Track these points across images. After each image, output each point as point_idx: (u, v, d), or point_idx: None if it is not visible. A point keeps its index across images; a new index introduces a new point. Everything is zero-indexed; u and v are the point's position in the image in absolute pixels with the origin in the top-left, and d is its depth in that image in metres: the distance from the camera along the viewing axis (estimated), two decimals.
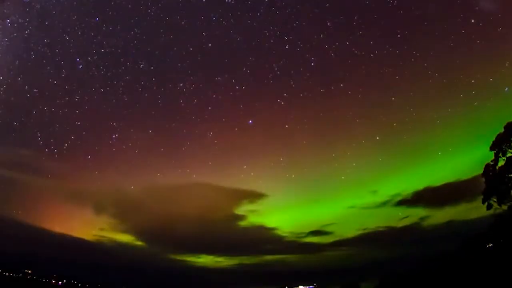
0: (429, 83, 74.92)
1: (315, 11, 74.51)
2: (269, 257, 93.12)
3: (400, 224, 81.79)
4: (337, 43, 74.94)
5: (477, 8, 66.60)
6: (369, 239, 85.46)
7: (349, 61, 77.65)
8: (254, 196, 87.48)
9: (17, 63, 75.13)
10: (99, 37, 76.07)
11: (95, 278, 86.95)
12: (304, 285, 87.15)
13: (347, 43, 75.96)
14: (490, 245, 33.40)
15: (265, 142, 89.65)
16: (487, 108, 70.82)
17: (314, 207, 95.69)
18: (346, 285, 72.16)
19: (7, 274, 79.99)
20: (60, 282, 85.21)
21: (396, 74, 75.63)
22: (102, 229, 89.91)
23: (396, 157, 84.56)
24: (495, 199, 29.31)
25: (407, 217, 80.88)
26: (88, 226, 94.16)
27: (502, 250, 28.86)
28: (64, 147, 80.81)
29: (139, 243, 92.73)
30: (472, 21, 67.56)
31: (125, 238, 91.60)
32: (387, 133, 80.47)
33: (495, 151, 29.72)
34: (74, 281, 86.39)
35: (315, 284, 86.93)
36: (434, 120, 76.66)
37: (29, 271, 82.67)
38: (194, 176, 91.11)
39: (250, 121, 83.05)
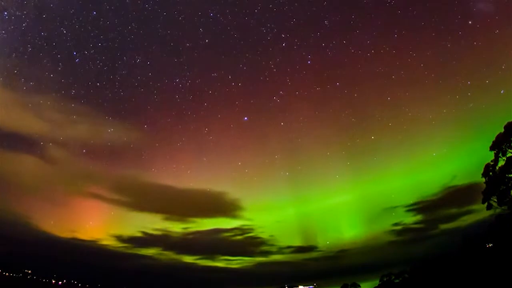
0: (425, 84, 75.27)
1: (313, 9, 74.90)
2: (268, 257, 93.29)
3: (399, 224, 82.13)
4: (333, 42, 75.38)
5: (474, 10, 66.98)
6: (368, 240, 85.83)
7: (346, 60, 78.08)
8: (248, 194, 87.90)
9: (14, 55, 75.57)
10: (96, 31, 76.50)
11: (95, 278, 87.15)
12: (304, 285, 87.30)
13: (344, 42, 76.38)
14: (490, 245, 33.46)
15: (260, 139, 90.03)
16: (482, 110, 71.11)
17: (307, 205, 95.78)
18: (346, 285, 72.24)
19: (7, 274, 79.93)
20: (60, 282, 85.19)
21: (392, 74, 76.00)
22: (100, 229, 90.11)
23: (391, 157, 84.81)
24: (495, 199, 29.28)
25: (404, 217, 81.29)
26: (87, 226, 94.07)
27: (502, 250, 28.89)
28: (60, 140, 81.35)
29: (139, 242, 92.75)
30: (470, 22, 68.02)
31: (124, 238, 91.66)
32: (383, 133, 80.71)
33: (495, 151, 29.66)
34: (74, 281, 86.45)
35: (315, 284, 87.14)
36: (429, 121, 76.95)
37: (29, 271, 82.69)
38: (188, 172, 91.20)
39: (246, 118, 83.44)
